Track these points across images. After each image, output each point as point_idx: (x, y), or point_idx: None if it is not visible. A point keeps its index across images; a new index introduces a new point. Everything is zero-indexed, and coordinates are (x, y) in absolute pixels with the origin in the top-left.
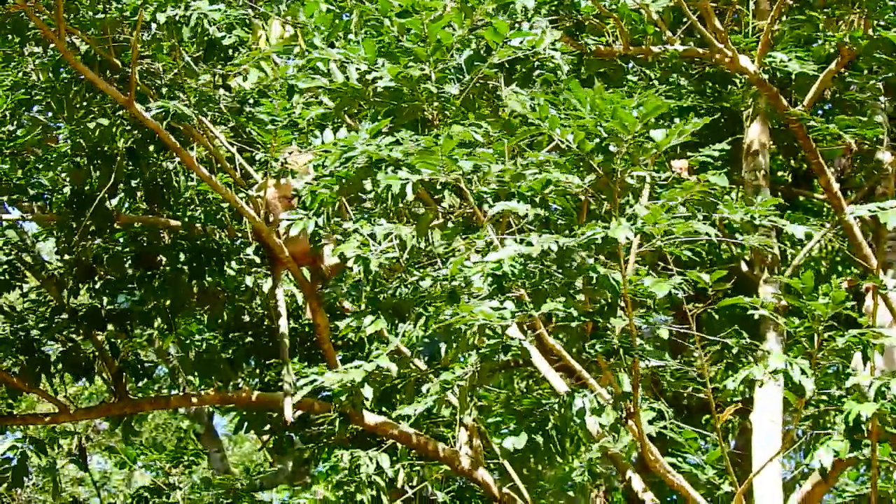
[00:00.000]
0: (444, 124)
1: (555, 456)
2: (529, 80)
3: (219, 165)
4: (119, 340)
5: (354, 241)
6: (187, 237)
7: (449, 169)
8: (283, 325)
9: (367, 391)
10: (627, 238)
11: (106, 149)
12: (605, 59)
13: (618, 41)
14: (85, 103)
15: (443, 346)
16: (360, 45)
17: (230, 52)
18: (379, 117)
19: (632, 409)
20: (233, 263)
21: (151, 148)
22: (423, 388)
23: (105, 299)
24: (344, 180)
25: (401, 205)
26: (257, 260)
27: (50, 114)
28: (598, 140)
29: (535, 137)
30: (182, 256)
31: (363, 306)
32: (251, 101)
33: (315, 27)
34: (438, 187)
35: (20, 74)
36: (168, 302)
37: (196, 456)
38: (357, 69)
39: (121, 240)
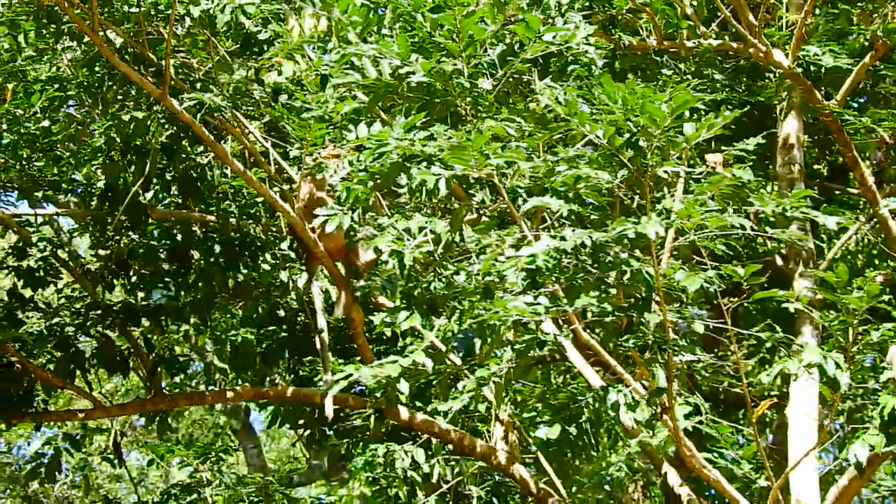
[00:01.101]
0: (476, 119)
1: (589, 449)
2: (563, 76)
3: (252, 160)
4: (154, 336)
5: (389, 236)
6: (221, 231)
7: (482, 164)
8: (321, 320)
9: (403, 386)
10: (658, 233)
11: (140, 143)
12: (639, 53)
13: (651, 36)
14: (119, 97)
15: (477, 342)
16: (393, 41)
17: (265, 46)
18: (412, 112)
19: (667, 404)
20: (267, 258)
21: (185, 142)
22: (459, 385)
23: (140, 294)
24: (378, 176)
25: (434, 200)
26: (292, 255)
27: (84, 109)
28: (628, 135)
29: (569, 132)
30: (216, 251)
31: (398, 301)
32: (285, 94)
33: (349, 22)
34: (472, 182)
35: (53, 70)
36: (202, 297)
37: (225, 452)
38: (390, 64)
39: (155, 234)
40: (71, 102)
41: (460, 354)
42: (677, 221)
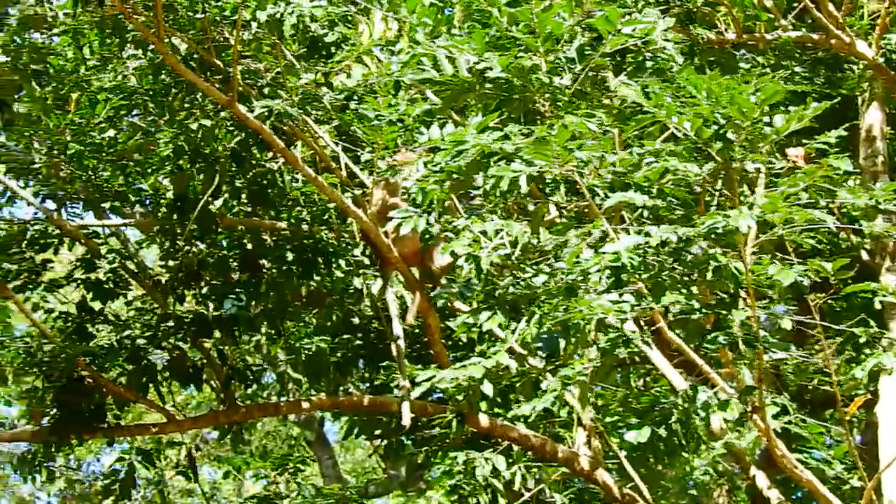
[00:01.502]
0: (555, 116)
1: (679, 452)
2: (641, 70)
3: (323, 165)
4: (226, 347)
5: (465, 239)
6: (293, 239)
7: (563, 160)
8: (397, 326)
9: (487, 388)
10: (749, 226)
11: (208, 151)
12: (717, 47)
13: (730, 29)
14: (186, 105)
15: (560, 343)
16: (467, 37)
17: (332, 49)
18: (487, 111)
19: (756, 404)
20: (340, 264)
21: (254, 149)
22: (542, 386)
23: (211, 305)
24: (455, 175)
25: (512, 200)
26: (365, 261)
27: (150, 118)
28: (715, 127)
29: (645, 128)
30: (288, 259)
31: (477, 303)
32: (356, 98)
33: (418, 22)
34: (549, 180)
35: (118, 79)
36: (275, 306)
37: (302, 463)
38: (466, 61)
39: (225, 244)
40: (136, 112)
41: (542, 357)
42: (765, 215)
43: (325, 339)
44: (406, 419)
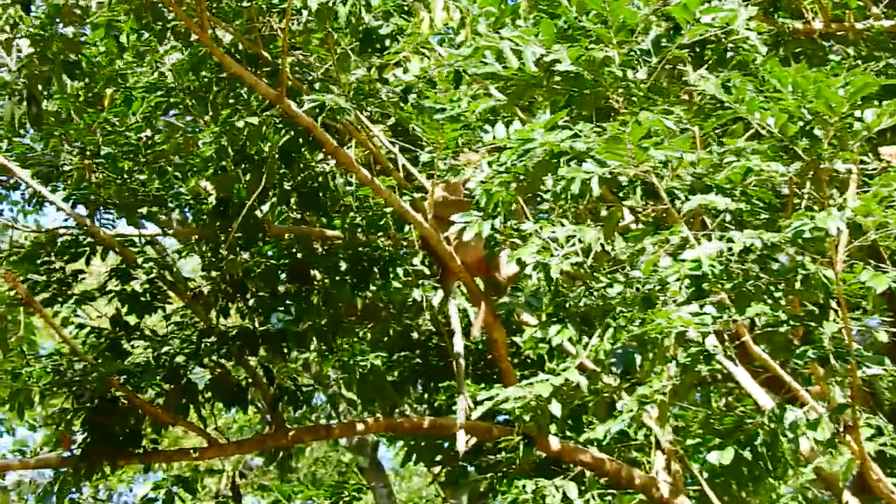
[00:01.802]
0: (630, 112)
1: (764, 477)
2: (722, 63)
3: (379, 167)
4: (274, 364)
5: (533, 246)
6: (346, 247)
7: (639, 160)
8: (458, 342)
9: (556, 408)
10: (839, 228)
11: (254, 151)
12: (804, 38)
13: (817, 18)
14: (230, 101)
15: (636, 359)
16: (534, 28)
17: (387, 42)
18: (558, 107)
19: (849, 423)
20: (398, 274)
21: (305, 149)
22: (617, 407)
23: (257, 319)
24: (521, 177)
25: (583, 203)
26: (425, 270)
27: (189, 118)
28: (801, 123)
29: (727, 125)
30: (341, 269)
31: (545, 317)
32: (414, 92)
33: (482, 12)
34: (624, 182)
35: (156, 74)
36: (326, 320)
37: (358, 491)
38: (533, 53)
39: (272, 252)
40: (175, 110)
41: (617, 374)
42: (857, 219)
43: (380, 356)
44: (461, 445)
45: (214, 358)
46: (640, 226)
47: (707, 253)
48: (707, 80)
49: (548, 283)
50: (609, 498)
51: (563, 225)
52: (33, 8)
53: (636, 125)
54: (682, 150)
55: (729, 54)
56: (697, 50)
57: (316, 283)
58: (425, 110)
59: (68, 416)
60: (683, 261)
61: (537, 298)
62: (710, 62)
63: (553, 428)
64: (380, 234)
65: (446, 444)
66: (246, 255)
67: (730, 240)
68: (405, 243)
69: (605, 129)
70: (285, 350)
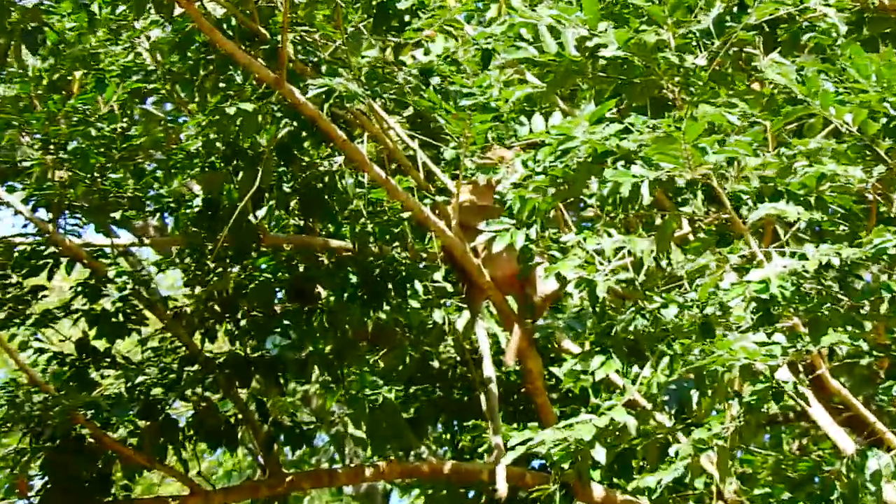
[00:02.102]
0: (687, 104)
1: None
2: (796, 46)
3: (395, 165)
4: (268, 398)
5: (575, 259)
6: (356, 259)
7: (696, 162)
8: (488, 370)
9: (600, 453)
10: None
11: (248, 145)
12: (893, 16)
13: None
14: (221, 86)
15: (694, 395)
16: (576, 6)
17: (406, 17)
18: (602, 98)
19: None
20: (417, 292)
21: (308, 143)
22: (671, 451)
23: (249, 344)
24: (561, 180)
25: (634, 211)
26: (448, 287)
27: (171, 106)
28: (885, 120)
29: (805, 119)
30: (350, 285)
31: (588, 344)
32: (437, 76)
33: None
34: (681, 186)
35: (132, 55)
36: (331, 346)
37: None
38: (574, 35)
39: (268, 265)
40: (155, 96)
41: (672, 412)
42: None
43: (394, 389)
44: (502, 487)
45: (198, 390)
46: (700, 237)
47: (777, 271)
48: (780, 68)
49: (592, 303)
50: None
51: (610, 235)
52: None
53: (692, 121)
54: (747, 151)
55: (805, 36)
56: (768, 30)
57: (320, 301)
58: (450, 98)
59: (25, 458)
60: (749, 281)
61: (580, 322)
62: (782, 45)
63: (596, 475)
64: (395, 244)
65: (471, 494)
66: (237, 269)
67: (803, 256)
68: (425, 255)
69: (657, 125)
70: (282, 381)
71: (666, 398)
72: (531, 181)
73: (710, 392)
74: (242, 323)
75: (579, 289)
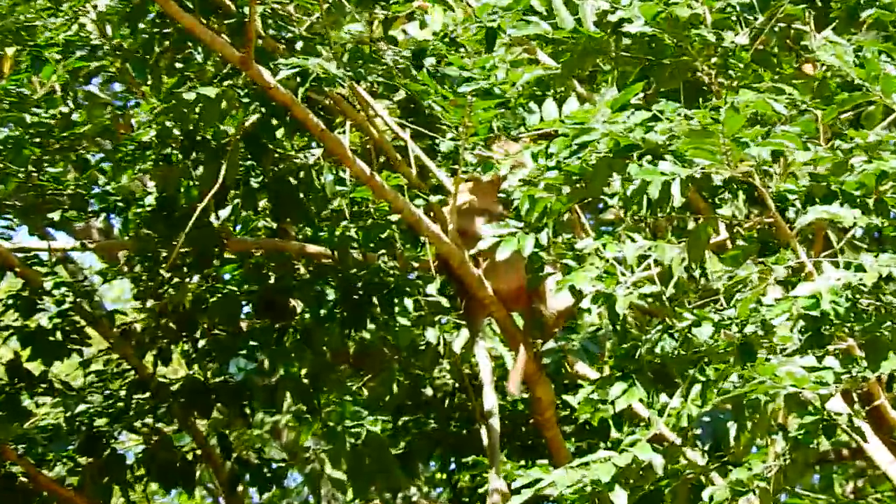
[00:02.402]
0: (726, 90)
1: None
2: (853, 22)
3: (382, 158)
4: (232, 430)
5: (593, 270)
6: (337, 269)
7: (736, 157)
8: (489, 400)
9: (620, 496)
10: None
11: (211, 135)
12: None
13: None
14: (178, 66)
15: (732, 428)
16: None
17: None
18: (627, 82)
19: None
20: (407, 307)
21: (280, 133)
22: (704, 494)
23: (210, 367)
24: (577, 177)
25: (663, 214)
26: (444, 302)
27: (121, 88)
28: None
29: (863, 107)
30: (328, 299)
31: (608, 369)
32: (432, 56)
33: None
34: (718, 185)
35: (75, 28)
36: (306, 370)
37: None
38: (594, 9)
39: (232, 275)
40: (100, 78)
41: (705, 449)
42: None
43: (380, 420)
44: None
45: (149, 421)
46: (740, 244)
47: (829, 285)
48: (834, 47)
49: (612, 321)
50: None
51: (633, 241)
52: None
53: (732, 110)
54: (796, 145)
55: (864, 11)
56: (819, 4)
57: (294, 317)
58: (447, 81)
59: None
60: (797, 295)
61: (597, 343)
62: (837, 22)
63: None
64: (382, 251)
65: None
66: (196, 279)
67: (860, 267)
68: (416, 265)
69: (691, 114)
70: (248, 410)
71: (698, 432)
72: (542, 178)
73: (750, 425)
74: (202, 342)
75: (597, 304)
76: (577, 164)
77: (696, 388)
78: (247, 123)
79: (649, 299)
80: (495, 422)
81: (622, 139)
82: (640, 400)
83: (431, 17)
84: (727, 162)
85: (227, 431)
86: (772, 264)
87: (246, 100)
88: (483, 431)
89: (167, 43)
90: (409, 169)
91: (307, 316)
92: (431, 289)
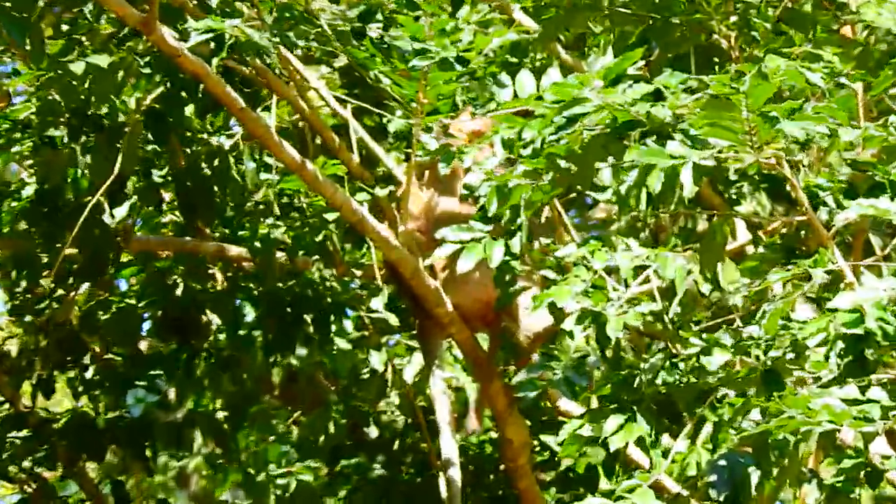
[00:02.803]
0: (749, 56)
1: None
2: None
3: (318, 141)
4: (129, 477)
5: (578, 283)
6: (260, 279)
7: (763, 138)
8: (448, 445)
9: None
10: None
11: (105, 113)
12: None
13: None
14: (65, 29)
15: (753, 475)
16: None
17: None
18: (626, 46)
19: None
20: (346, 327)
21: (191, 110)
22: None
23: (103, 400)
24: (563, 162)
25: (668, 210)
26: (393, 320)
27: None
28: None
29: None
30: (249, 314)
31: (598, 400)
32: (379, 19)
33: None
34: (735, 175)
35: None
36: (223, 402)
37: None
38: None
39: (133, 285)
40: None
41: (720, 500)
42: None
43: (312, 466)
44: None
45: (27, 464)
46: (762, 251)
47: (875, 297)
48: (881, 5)
49: (602, 346)
50: None
51: (628, 248)
52: None
53: (758, 80)
54: (842, 121)
55: None
56: None
57: (207, 338)
58: (397, 49)
59: None
60: (834, 310)
61: (583, 373)
62: None
63: None
64: (315, 257)
65: None
66: (86, 289)
67: None
68: (359, 274)
69: (706, 83)
70: (149, 452)
71: (712, 479)
72: (517, 166)
73: (775, 471)
74: (92, 369)
75: (583, 325)
76: (563, 147)
77: (707, 427)
78: (149, 99)
79: (648, 319)
80: (455, 472)
81: (619, 114)
82: (638, 441)
83: None
84: (751, 144)
85: (122, 478)
86: (803, 272)
87: (148, 70)
88: (441, 481)
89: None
90: (351, 154)
91: (223, 336)
92: (377, 303)
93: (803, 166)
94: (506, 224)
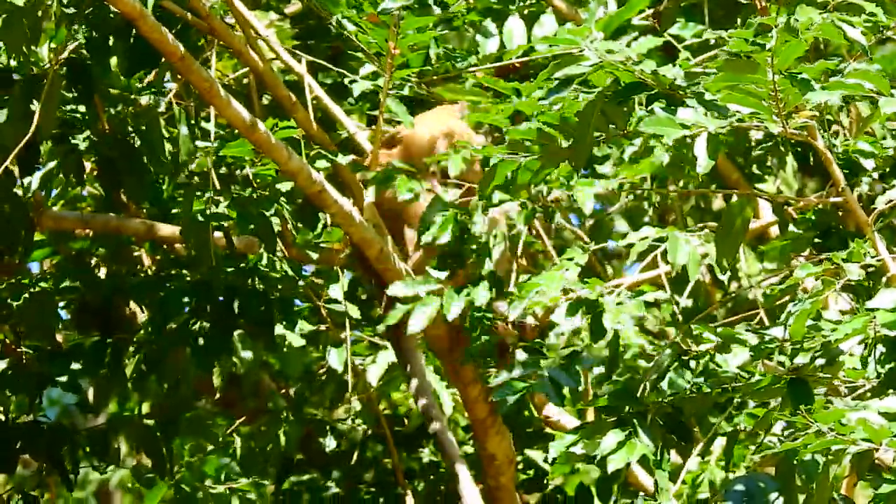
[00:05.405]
0: (777, 6)
1: None
2: None
3: (269, 100)
4: (43, 491)
5: (570, 270)
6: (195, 263)
7: (789, 105)
8: (469, 491)
9: None
10: None
11: (18, 64)
12: None
13: None
14: None
15: (776, 501)
16: None
17: None
18: None
19: None
20: (296, 321)
21: (120, 62)
22: None
23: (13, 401)
24: (558, 129)
25: (678, 188)
26: (354, 314)
27: None
28: None
29: None
30: (183, 306)
31: (593, 412)
32: None
33: None
34: (762, 146)
35: None
36: (152, 407)
37: None
38: None
39: (47, 268)
40: None
41: None
42: None
43: (257, 485)
44: None
45: None
46: (790, 234)
47: None
48: None
49: (597, 340)
50: None
51: (633, 229)
52: None
53: (786, 35)
54: (881, 88)
55: None
56: None
57: (135, 331)
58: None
59: None
60: (873, 308)
61: (573, 373)
62: None
63: None
64: (262, 238)
65: None
66: None
67: None
68: (315, 257)
69: (724, 39)
70: (68, 465)
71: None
72: (508, 133)
73: (801, 497)
74: (1, 365)
75: (575, 316)
76: (555, 113)
77: (721, 441)
78: (70, 48)
79: (656, 314)
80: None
81: (623, 75)
82: (642, 459)
83: None
84: (778, 111)
85: (36, 493)
86: (842, 261)
87: (70, 10)
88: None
89: None
90: (308, 115)
91: (150, 330)
92: (335, 292)
93: (842, 127)
94: (488, 202)
